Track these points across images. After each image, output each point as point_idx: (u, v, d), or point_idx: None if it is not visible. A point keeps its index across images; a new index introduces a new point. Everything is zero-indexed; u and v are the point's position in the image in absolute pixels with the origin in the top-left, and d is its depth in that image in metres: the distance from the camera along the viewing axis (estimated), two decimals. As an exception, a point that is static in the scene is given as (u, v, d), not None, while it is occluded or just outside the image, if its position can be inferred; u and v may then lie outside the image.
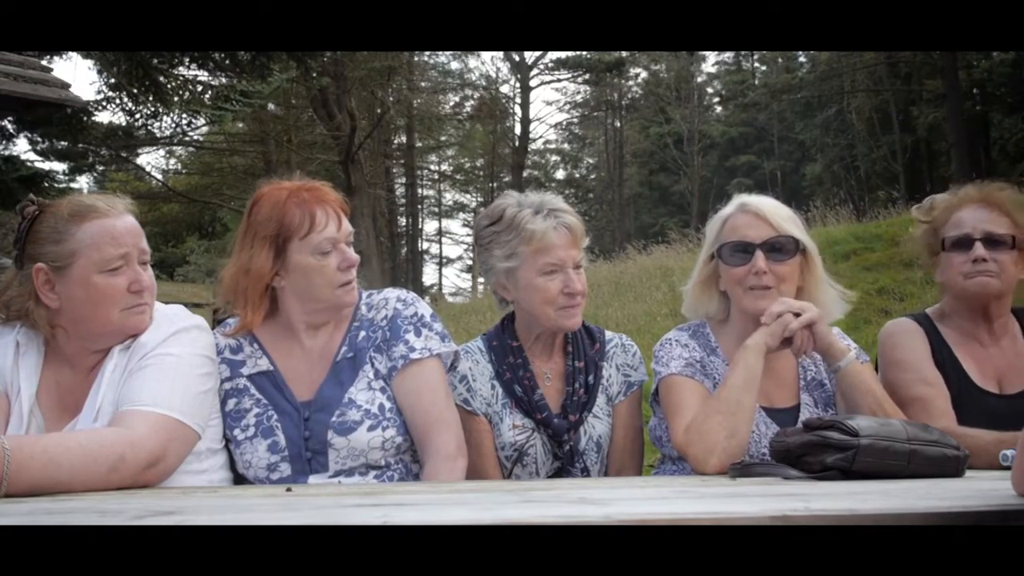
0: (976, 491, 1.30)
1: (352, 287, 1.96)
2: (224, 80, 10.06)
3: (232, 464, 1.94)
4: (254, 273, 1.91)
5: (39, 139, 11.47)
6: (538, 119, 35.99)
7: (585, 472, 2.12)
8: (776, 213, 2.05)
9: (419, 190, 36.90)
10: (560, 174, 41.51)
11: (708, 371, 2.08)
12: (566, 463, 2.11)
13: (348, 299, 1.96)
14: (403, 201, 35.42)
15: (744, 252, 2.03)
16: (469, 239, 40.36)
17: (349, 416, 1.89)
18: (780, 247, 2.02)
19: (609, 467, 2.18)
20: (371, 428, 1.89)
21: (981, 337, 2.16)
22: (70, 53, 9.72)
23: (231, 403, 1.95)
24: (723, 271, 2.09)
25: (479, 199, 38.74)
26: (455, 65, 33.03)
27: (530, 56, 32.04)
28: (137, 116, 10.17)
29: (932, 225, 2.22)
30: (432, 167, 38.04)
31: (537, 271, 2.09)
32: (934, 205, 2.25)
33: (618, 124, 38.02)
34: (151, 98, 9.41)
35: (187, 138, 17.00)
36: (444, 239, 41.66)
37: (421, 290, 33.46)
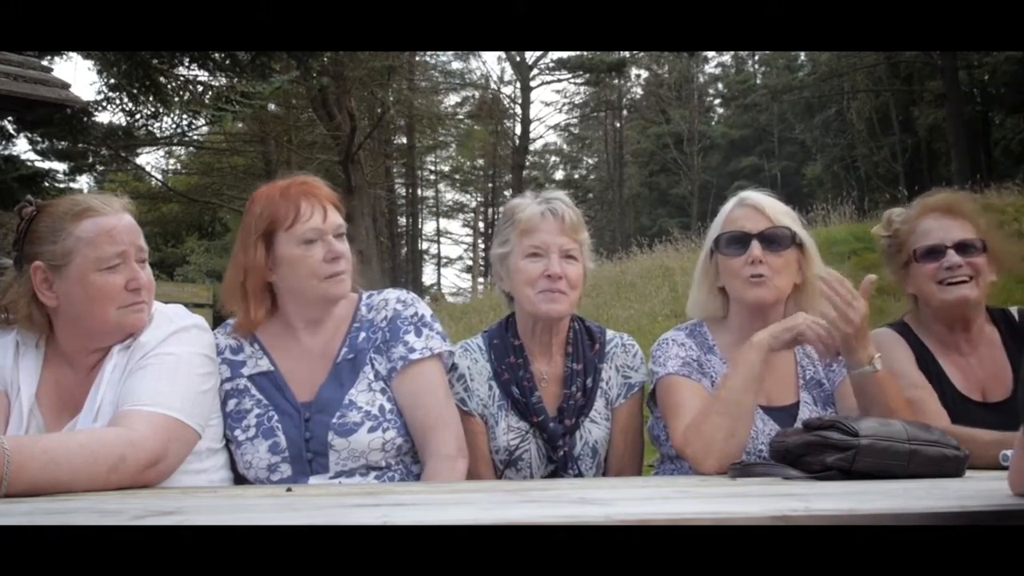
0: (976, 491, 1.30)
1: (339, 280, 1.94)
2: (224, 80, 10.05)
3: (232, 464, 1.94)
4: (251, 269, 1.94)
5: (39, 139, 11.49)
6: (538, 119, 36.01)
7: (578, 477, 2.11)
8: (773, 207, 2.07)
9: (419, 190, 36.92)
10: (560, 174, 41.58)
11: (705, 370, 2.08)
12: (560, 468, 2.10)
13: (335, 291, 1.95)
14: (403, 201, 35.41)
15: (740, 243, 2.04)
16: (469, 239, 40.41)
17: (349, 418, 1.89)
18: (776, 238, 2.03)
19: (608, 471, 2.17)
20: (371, 430, 1.89)
21: (960, 346, 2.17)
22: (70, 53, 9.72)
23: (232, 403, 1.95)
24: (721, 263, 2.10)
25: (479, 199, 38.76)
26: (456, 65, 33.08)
27: (530, 56, 32.03)
28: (137, 116, 10.18)
29: (896, 239, 2.24)
30: (432, 167, 38.06)
31: (522, 254, 2.10)
32: (892, 219, 2.27)
33: (618, 124, 38.03)
34: (151, 98, 9.40)
35: (187, 138, 17.00)
36: (444, 239, 41.72)
37: (421, 290, 33.45)
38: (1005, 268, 2.18)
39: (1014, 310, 2.22)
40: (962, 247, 2.10)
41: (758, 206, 2.07)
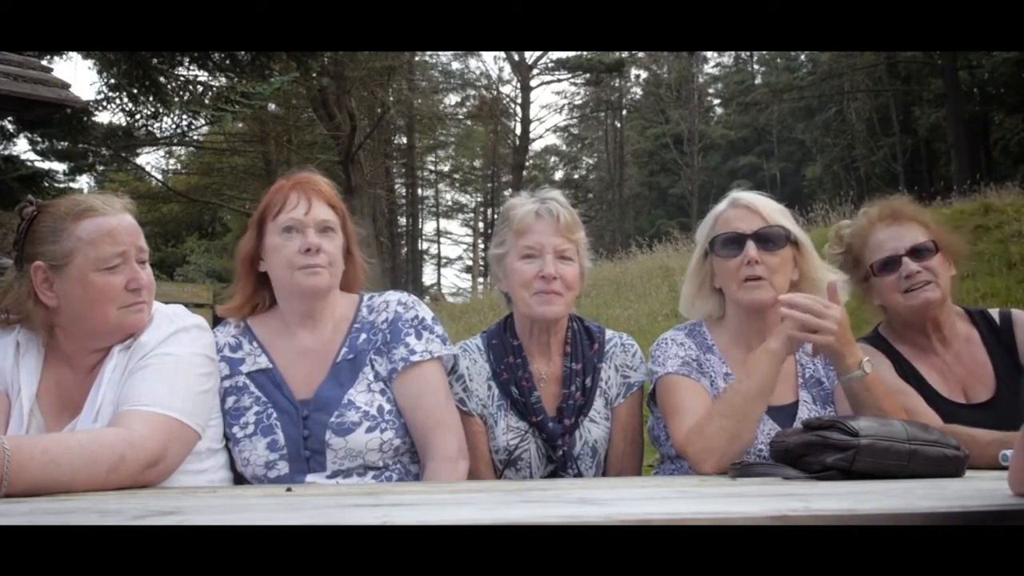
0: (976, 491, 1.30)
1: (312, 272, 1.93)
2: (224, 80, 10.05)
3: (232, 464, 1.94)
4: (243, 254, 2.01)
5: (39, 139, 11.48)
6: (538, 119, 36.04)
7: (578, 477, 2.11)
8: (767, 206, 2.07)
9: (419, 190, 36.92)
10: (560, 175, 41.56)
11: (705, 369, 2.07)
12: (559, 468, 2.09)
13: (307, 283, 1.93)
14: (403, 201, 35.42)
15: (735, 244, 2.04)
16: (469, 239, 40.43)
17: (347, 417, 1.89)
18: (770, 238, 2.03)
19: (608, 471, 2.17)
20: (369, 430, 1.89)
21: (935, 347, 2.18)
22: (70, 53, 9.72)
23: (230, 401, 1.95)
24: (716, 265, 2.10)
25: (478, 199, 38.77)
26: (456, 65, 33.09)
27: (530, 56, 32.05)
28: (137, 116, 10.17)
29: (850, 254, 2.25)
30: (432, 167, 38.07)
31: (517, 255, 2.10)
32: (841, 234, 2.29)
33: (618, 125, 38.02)
34: (151, 98, 9.40)
35: (187, 138, 16.99)
36: (444, 239, 41.73)
37: (421, 290, 33.45)
38: (961, 260, 2.21)
39: (994, 312, 2.23)
40: (915, 252, 2.13)
41: (751, 206, 2.06)
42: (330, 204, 2.00)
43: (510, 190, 32.28)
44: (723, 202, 2.14)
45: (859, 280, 2.24)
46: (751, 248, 2.01)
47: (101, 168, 19.17)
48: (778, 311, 2.05)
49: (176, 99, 9.58)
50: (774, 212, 2.06)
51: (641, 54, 33.66)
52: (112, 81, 9.41)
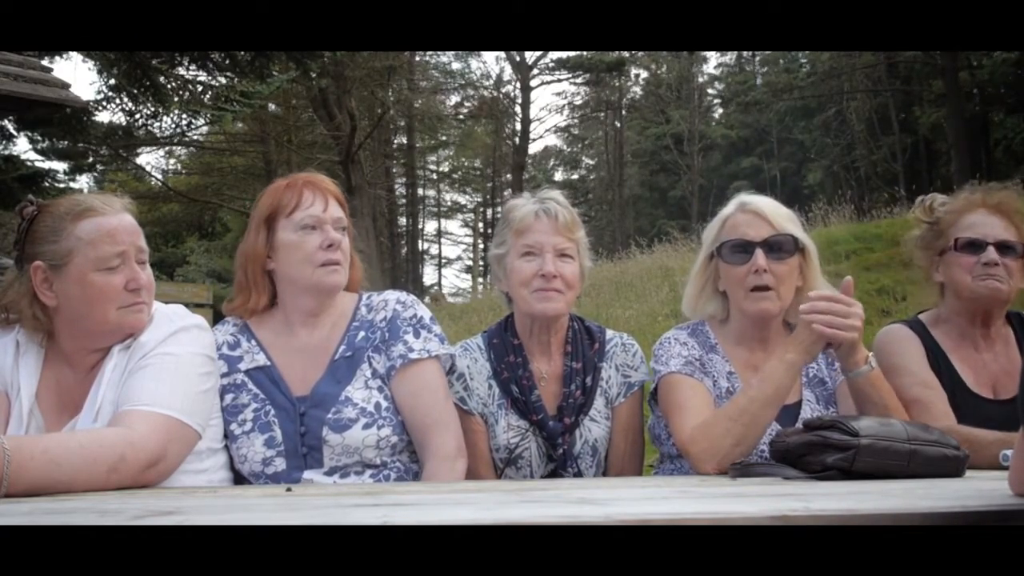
0: (976, 491, 1.31)
1: (335, 270, 1.95)
2: (224, 80, 10.04)
3: (232, 463, 1.94)
4: (251, 255, 1.98)
5: (39, 139, 11.48)
6: (538, 119, 36.02)
7: (578, 476, 2.11)
8: (776, 212, 2.06)
9: (419, 190, 36.91)
10: (560, 175, 41.57)
11: (707, 369, 2.07)
12: (559, 467, 2.10)
13: (328, 280, 1.95)
14: (403, 201, 35.42)
15: (744, 251, 2.02)
16: (469, 239, 40.42)
17: (344, 414, 1.89)
18: (780, 246, 2.02)
19: (608, 471, 2.17)
20: (366, 426, 1.89)
21: (976, 342, 2.18)
22: (70, 53, 9.71)
23: (228, 398, 1.96)
24: (723, 270, 2.09)
25: (478, 199, 38.77)
26: (456, 65, 33.08)
27: (530, 56, 32.05)
28: (137, 116, 10.16)
29: (937, 226, 2.23)
30: (432, 167, 38.07)
31: (517, 254, 2.11)
32: (935, 206, 2.26)
33: (618, 124, 38.02)
34: (151, 98, 9.39)
35: (187, 138, 17.00)
36: (443, 239, 41.72)
37: (421, 290, 33.46)
38: None
39: None
40: (1003, 247, 2.12)
41: (760, 212, 2.05)
42: (340, 203, 2.01)
43: (510, 190, 32.28)
44: (731, 205, 2.13)
45: (934, 253, 2.23)
46: (759, 257, 2.00)
47: (101, 168, 19.17)
48: (781, 319, 2.04)
49: (176, 99, 9.58)
50: (783, 219, 2.05)
51: (641, 54, 33.65)
52: (112, 81, 9.41)
